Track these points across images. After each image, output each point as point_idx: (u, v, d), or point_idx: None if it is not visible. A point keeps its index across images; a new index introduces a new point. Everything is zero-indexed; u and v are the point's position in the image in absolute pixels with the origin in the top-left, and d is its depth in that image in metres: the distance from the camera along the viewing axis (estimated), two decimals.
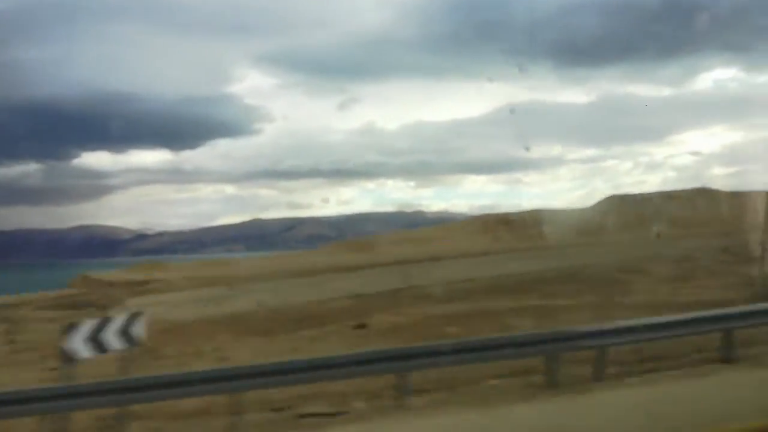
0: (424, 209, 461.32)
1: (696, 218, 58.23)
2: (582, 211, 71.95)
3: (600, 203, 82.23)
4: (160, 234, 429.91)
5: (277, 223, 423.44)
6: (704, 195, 72.08)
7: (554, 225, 59.39)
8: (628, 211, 67.50)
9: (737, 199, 70.08)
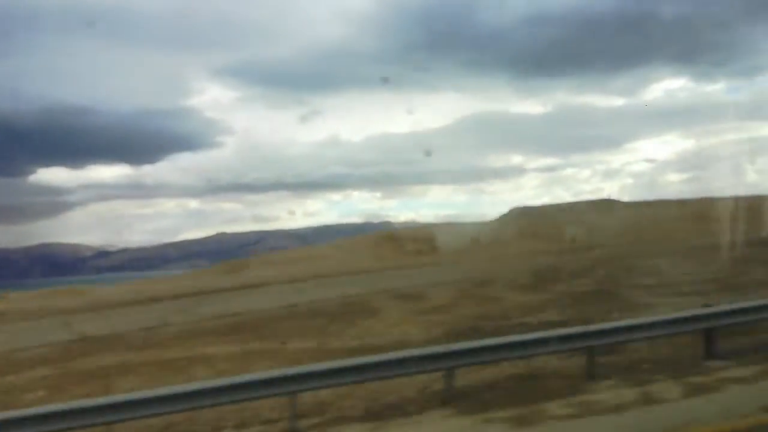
0: (392, 220, 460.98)
1: (579, 231, 58.36)
2: (483, 225, 71.78)
3: (504, 216, 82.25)
4: (123, 251, 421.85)
5: (242, 237, 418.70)
6: (603, 206, 72.76)
7: (445, 239, 58.95)
8: (523, 224, 67.62)
9: (633, 209, 71.20)
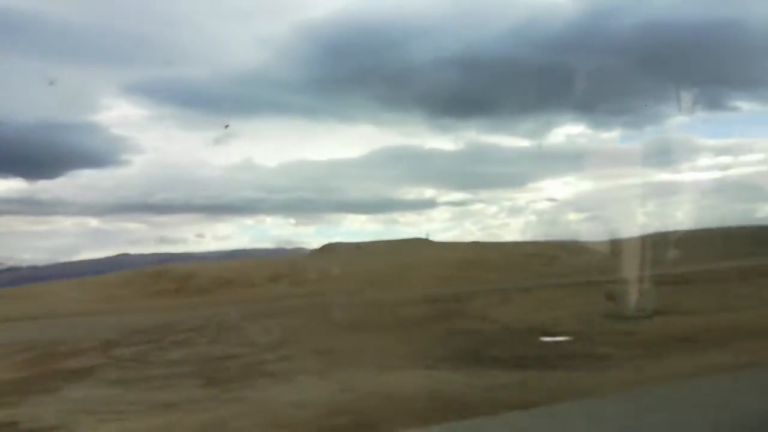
0: (305, 246, 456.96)
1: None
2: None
3: (314, 251, 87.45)
4: (12, 269, 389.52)
5: (146, 259, 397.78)
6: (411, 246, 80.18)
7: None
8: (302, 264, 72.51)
9: (436, 249, 75.20)
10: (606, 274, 25.89)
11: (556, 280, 40.57)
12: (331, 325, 24.18)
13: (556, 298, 27.56)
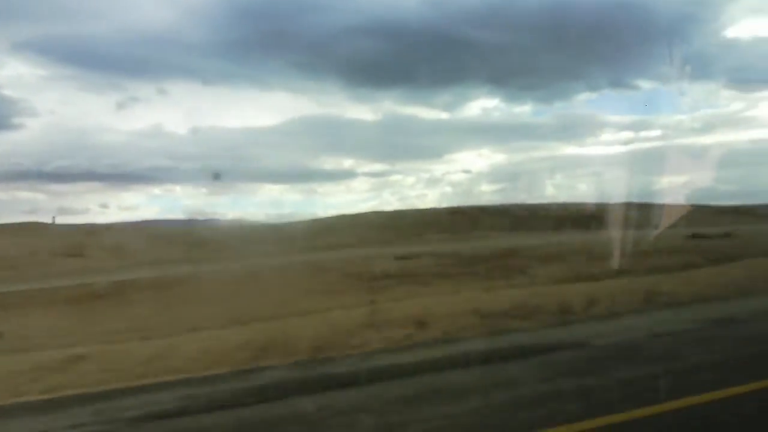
0: (220, 217, 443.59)
1: None
2: None
3: None
4: None
5: None
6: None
7: None
8: None
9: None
10: None
11: None
12: None
13: None
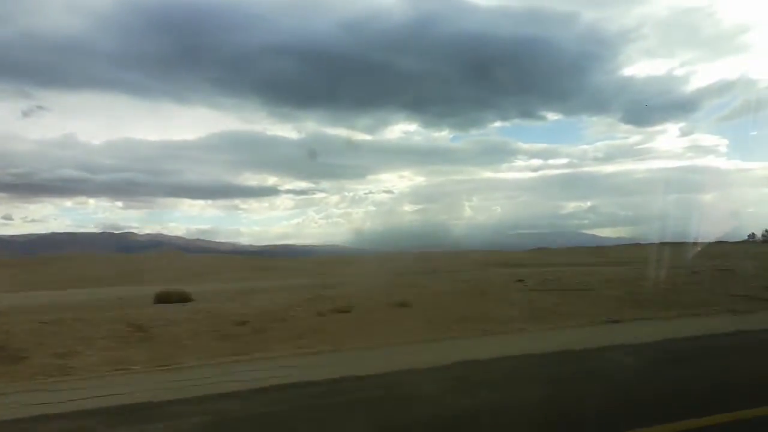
0: (136, 231, 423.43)
1: None
2: None
3: None
4: None
5: None
6: None
7: None
8: None
9: None
10: None
11: None
12: None
13: None
